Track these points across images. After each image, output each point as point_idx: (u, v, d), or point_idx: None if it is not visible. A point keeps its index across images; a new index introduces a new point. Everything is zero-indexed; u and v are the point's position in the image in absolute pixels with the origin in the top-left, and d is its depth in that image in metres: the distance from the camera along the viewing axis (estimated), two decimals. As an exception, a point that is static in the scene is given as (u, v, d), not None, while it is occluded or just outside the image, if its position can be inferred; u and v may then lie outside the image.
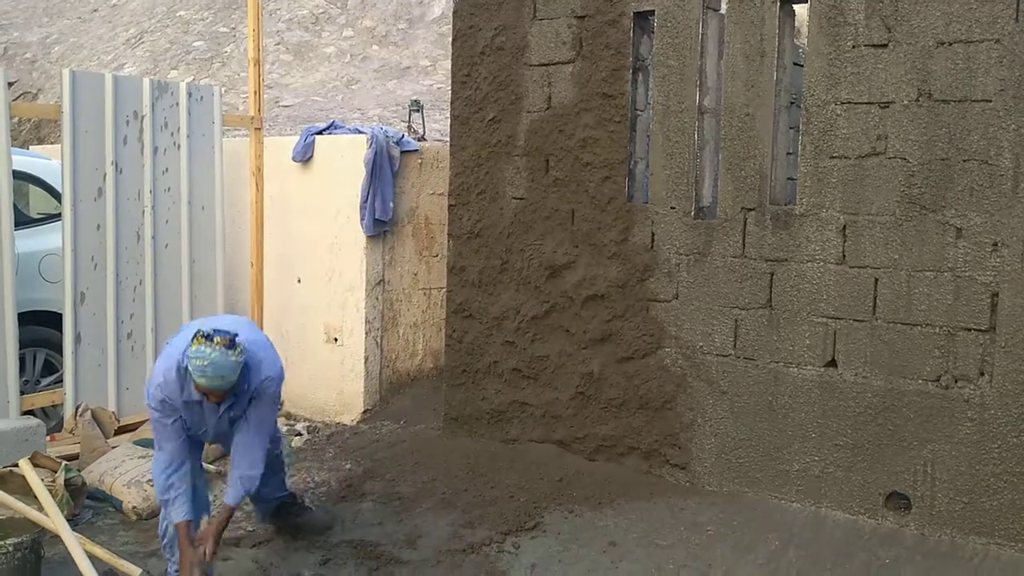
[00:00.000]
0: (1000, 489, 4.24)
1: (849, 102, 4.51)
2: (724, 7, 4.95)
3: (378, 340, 6.65)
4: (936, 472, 4.38)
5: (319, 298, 6.74)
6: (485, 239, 5.70)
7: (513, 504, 4.97)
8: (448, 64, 6.42)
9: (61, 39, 12.11)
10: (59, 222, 5.97)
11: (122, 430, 5.89)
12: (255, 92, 6.82)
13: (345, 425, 6.54)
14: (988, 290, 4.24)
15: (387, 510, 5.03)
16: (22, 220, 6.25)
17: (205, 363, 3.79)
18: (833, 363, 4.62)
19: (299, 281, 6.85)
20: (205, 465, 5.01)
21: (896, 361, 4.45)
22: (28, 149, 8.13)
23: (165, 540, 4.22)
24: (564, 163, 5.38)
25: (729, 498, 4.87)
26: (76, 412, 5.78)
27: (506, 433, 5.68)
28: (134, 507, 5.03)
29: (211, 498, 4.68)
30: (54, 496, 4.49)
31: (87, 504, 5.02)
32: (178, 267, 6.38)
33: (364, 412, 6.60)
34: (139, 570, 4.14)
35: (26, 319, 5.87)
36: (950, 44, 4.26)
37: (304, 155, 6.71)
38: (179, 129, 6.34)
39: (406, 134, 6.82)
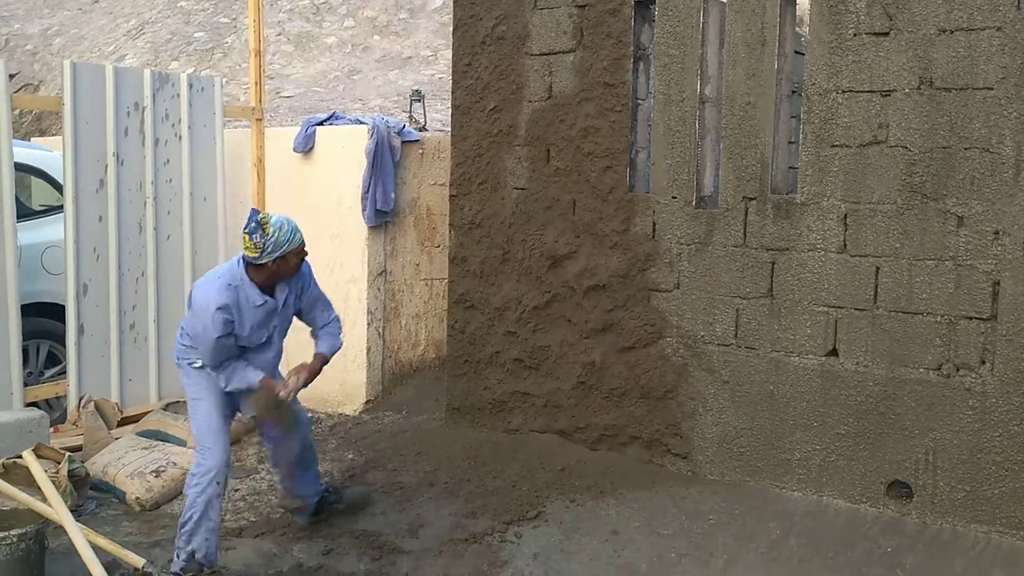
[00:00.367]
0: (1001, 477, 4.24)
1: (850, 90, 4.50)
2: (725, -5, 4.94)
3: (380, 331, 6.66)
4: (937, 460, 4.38)
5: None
6: (487, 229, 5.70)
7: (515, 494, 4.98)
8: (449, 54, 6.41)
9: (62, 30, 12.11)
10: (61, 214, 5.98)
11: (125, 421, 5.91)
12: (256, 83, 6.82)
13: (347, 415, 6.55)
14: (989, 278, 4.23)
15: (389, 500, 5.04)
16: (24, 212, 6.26)
17: (284, 227, 4.01)
18: (834, 352, 4.62)
19: (301, 272, 6.84)
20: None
21: (897, 350, 4.45)
22: (30, 141, 8.12)
23: (187, 527, 4.12)
24: (565, 153, 5.37)
25: (731, 487, 4.88)
26: (79, 403, 5.80)
27: (508, 423, 5.69)
28: (137, 498, 5.05)
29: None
30: (58, 487, 4.51)
31: (90, 495, 5.05)
32: (180, 258, 6.39)
33: (366, 402, 6.61)
34: (143, 560, 4.15)
35: (29, 311, 5.90)
36: (951, 32, 4.25)
37: (305, 146, 6.71)
38: (180, 120, 6.34)
39: (407, 124, 6.81)
